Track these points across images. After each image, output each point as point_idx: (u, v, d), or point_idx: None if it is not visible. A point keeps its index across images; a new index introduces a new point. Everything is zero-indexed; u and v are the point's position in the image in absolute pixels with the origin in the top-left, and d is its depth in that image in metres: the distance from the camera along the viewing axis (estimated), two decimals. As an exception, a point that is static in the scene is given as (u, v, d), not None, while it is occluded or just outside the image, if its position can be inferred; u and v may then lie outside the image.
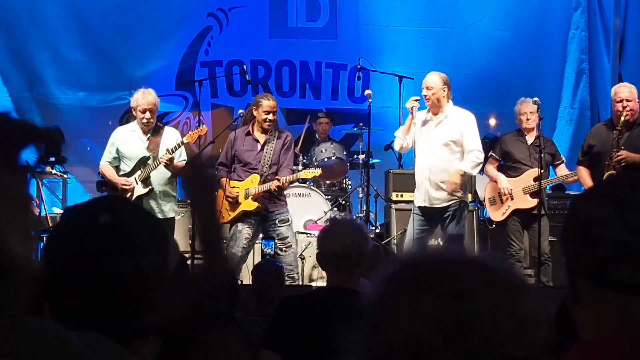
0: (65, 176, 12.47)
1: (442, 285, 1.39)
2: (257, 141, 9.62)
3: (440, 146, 9.25)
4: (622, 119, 9.46)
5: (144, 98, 9.67)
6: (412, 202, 9.90)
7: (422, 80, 9.65)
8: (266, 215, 9.62)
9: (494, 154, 10.52)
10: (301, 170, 10.33)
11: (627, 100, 9.54)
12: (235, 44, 14.37)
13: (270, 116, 9.53)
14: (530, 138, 10.25)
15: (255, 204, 9.51)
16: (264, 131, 9.60)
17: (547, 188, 10.75)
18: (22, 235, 1.39)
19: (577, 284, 1.79)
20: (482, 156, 9.38)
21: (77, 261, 1.76)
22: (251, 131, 9.63)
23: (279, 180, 9.44)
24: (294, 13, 14.57)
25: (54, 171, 12.08)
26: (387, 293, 1.43)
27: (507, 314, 1.38)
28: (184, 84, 13.96)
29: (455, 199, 9.30)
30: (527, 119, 10.25)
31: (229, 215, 9.63)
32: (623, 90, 9.71)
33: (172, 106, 14.20)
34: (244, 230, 9.55)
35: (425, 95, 9.29)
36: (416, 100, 9.31)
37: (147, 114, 9.65)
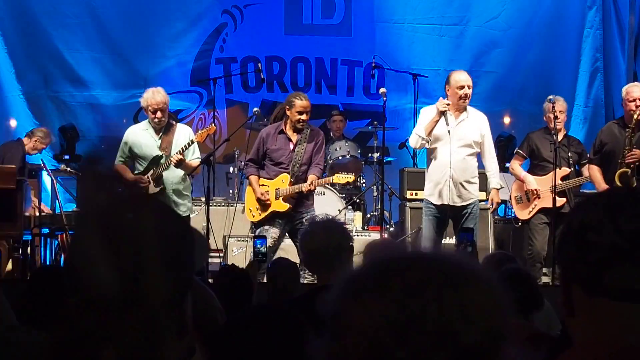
0: (80, 174, 12.51)
1: (391, 284, 1.40)
2: (290, 140, 9.51)
3: (462, 146, 9.23)
4: (635, 117, 9.44)
5: (153, 98, 9.57)
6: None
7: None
8: (293, 215, 9.55)
9: (520, 151, 10.45)
10: (333, 175, 10.22)
11: (639, 99, 9.52)
12: (250, 41, 14.40)
13: (303, 116, 9.38)
14: (558, 136, 10.17)
15: (287, 205, 9.40)
16: (297, 130, 9.54)
17: (587, 187, 10.68)
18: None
19: (571, 293, 1.81)
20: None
21: (99, 256, 1.78)
22: (284, 129, 9.58)
23: (311, 184, 9.38)
24: (309, 10, 14.60)
25: (68, 169, 12.11)
26: (342, 298, 1.44)
27: (457, 305, 1.38)
28: (199, 82, 13.99)
29: (473, 198, 9.34)
30: (557, 118, 10.16)
31: (260, 215, 9.53)
32: (635, 89, 9.67)
33: (186, 103, 14.23)
34: (271, 230, 9.46)
35: (467, 94, 9.25)
36: (447, 105, 9.22)
37: (159, 114, 9.58)
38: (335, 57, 14.66)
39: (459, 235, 9.11)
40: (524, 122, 13.55)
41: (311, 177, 9.41)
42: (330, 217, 5.09)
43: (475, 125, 9.30)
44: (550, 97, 10.20)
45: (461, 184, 9.22)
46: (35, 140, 11.97)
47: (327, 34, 14.62)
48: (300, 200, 9.54)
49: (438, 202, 9.24)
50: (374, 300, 1.39)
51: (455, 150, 9.18)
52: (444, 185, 9.18)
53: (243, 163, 10.00)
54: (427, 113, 9.34)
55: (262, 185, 9.49)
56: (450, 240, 9.99)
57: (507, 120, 14.31)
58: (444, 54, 14.17)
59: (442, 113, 9.11)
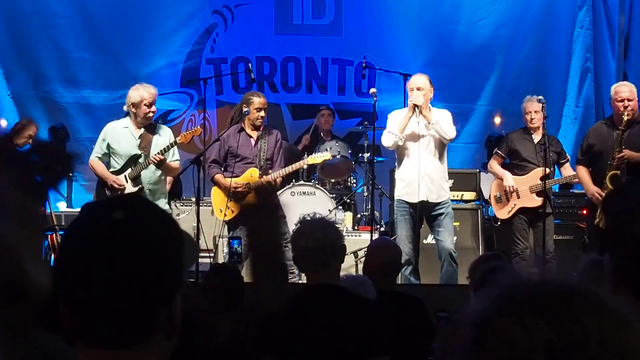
0: (70, 174, 12.49)
1: (554, 308, 1.39)
2: (250, 137, 9.67)
3: (432, 143, 9.33)
4: (625, 118, 9.44)
5: (148, 91, 9.64)
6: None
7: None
8: None
9: (499, 151, 10.50)
10: (307, 158, 10.29)
11: (629, 100, 9.51)
12: (241, 41, 14.40)
13: (262, 113, 9.65)
14: (536, 136, 10.22)
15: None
16: (256, 128, 9.65)
17: (555, 188, 10.73)
18: (37, 260, 1.44)
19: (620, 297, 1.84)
20: (452, 133, 9.47)
21: (89, 255, 1.78)
22: (244, 127, 9.65)
23: (284, 169, 9.50)
24: (299, 10, 14.59)
25: (59, 169, 12.08)
26: (496, 310, 1.43)
27: (615, 343, 1.37)
28: (189, 82, 13.97)
29: (448, 196, 9.55)
30: (532, 118, 10.22)
31: (232, 212, 9.59)
32: (624, 89, 9.67)
33: (177, 104, 14.22)
34: (245, 228, 9.52)
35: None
36: (418, 100, 9.31)
37: (154, 107, 9.70)
38: (326, 57, 14.66)
39: None
40: (515, 122, 13.53)
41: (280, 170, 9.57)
42: (320, 215, 5.08)
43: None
44: (540, 97, 10.24)
45: (434, 181, 9.32)
46: (19, 129, 11.86)
47: (318, 34, 14.62)
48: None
49: (413, 200, 9.30)
50: (535, 322, 1.38)
51: (426, 147, 9.27)
52: (419, 182, 9.24)
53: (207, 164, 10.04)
54: (396, 116, 9.46)
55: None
56: (428, 241, 10.04)
57: (497, 120, 14.32)
58: (434, 54, 14.17)
59: (414, 109, 9.20)
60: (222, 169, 9.74)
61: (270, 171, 9.66)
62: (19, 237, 1.49)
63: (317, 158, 10.09)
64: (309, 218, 4.80)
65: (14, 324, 1.46)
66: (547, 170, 9.98)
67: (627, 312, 1.44)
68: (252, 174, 9.55)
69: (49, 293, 1.46)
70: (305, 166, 10.41)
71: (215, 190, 9.77)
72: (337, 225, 5.29)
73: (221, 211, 9.65)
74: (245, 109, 9.64)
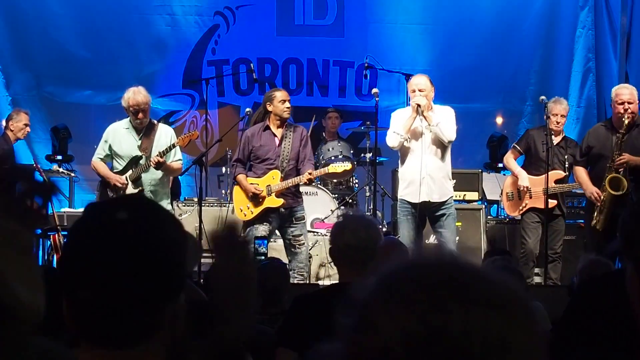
0: (72, 174, 12.49)
1: (418, 295, 1.32)
2: (275, 136, 9.56)
3: (434, 143, 9.30)
4: (626, 122, 9.37)
5: (134, 98, 9.49)
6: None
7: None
8: (284, 212, 9.56)
9: (517, 146, 10.41)
10: (329, 165, 10.23)
11: (629, 103, 9.43)
12: (243, 42, 14.39)
13: (287, 104, 9.48)
14: (556, 138, 10.12)
15: (281, 201, 9.42)
16: (282, 124, 9.54)
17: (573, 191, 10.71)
18: (28, 282, 1.48)
19: None
20: (451, 136, 9.35)
21: (93, 255, 1.78)
22: (269, 125, 9.58)
23: (310, 173, 9.40)
24: (301, 11, 14.60)
25: (60, 169, 12.10)
26: (373, 294, 1.38)
27: (481, 334, 1.29)
28: (191, 83, 13.97)
29: (451, 196, 9.48)
30: (557, 122, 10.10)
31: (252, 213, 9.53)
32: (624, 92, 9.57)
33: (178, 105, 14.23)
34: (260, 228, 9.44)
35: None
36: (419, 103, 9.28)
37: (140, 115, 9.50)
38: (328, 58, 14.66)
39: None
40: (516, 122, 13.57)
41: (308, 169, 9.45)
42: (363, 213, 5.05)
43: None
44: (543, 97, 10.20)
45: (436, 180, 9.29)
46: (12, 124, 11.78)
47: (320, 35, 14.63)
48: (293, 196, 9.57)
49: (415, 200, 9.27)
50: (398, 308, 1.32)
51: (428, 147, 9.25)
52: (420, 182, 9.22)
53: (231, 163, 9.99)
54: (399, 115, 9.43)
55: (252, 183, 9.49)
56: (430, 241, 10.02)
57: (499, 120, 14.33)
58: (436, 54, 14.18)
59: (417, 109, 9.16)
60: (247, 168, 9.66)
61: (302, 169, 9.54)
62: (6, 260, 1.54)
63: (337, 167, 10.03)
64: (351, 213, 4.73)
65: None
66: (562, 173, 9.98)
67: (510, 298, 1.35)
68: (273, 177, 9.47)
69: (42, 315, 1.52)
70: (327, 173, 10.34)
71: (236, 190, 9.69)
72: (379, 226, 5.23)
73: (241, 211, 9.60)
74: (268, 107, 9.53)
